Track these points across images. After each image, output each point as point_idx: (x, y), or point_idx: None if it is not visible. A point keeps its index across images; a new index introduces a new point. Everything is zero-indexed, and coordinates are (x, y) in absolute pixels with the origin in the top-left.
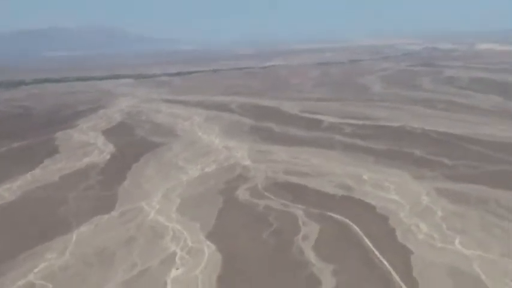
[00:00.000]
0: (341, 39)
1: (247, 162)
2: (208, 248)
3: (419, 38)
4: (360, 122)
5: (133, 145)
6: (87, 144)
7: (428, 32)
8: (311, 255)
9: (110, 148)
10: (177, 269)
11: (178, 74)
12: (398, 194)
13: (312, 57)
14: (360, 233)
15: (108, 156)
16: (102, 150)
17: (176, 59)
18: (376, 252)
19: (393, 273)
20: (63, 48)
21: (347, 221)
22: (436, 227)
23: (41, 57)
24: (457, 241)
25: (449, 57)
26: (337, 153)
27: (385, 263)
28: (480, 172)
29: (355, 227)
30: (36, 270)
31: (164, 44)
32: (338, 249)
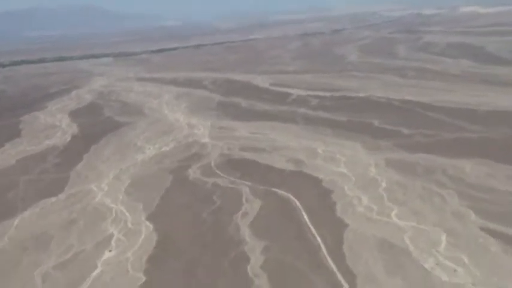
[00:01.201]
0: (324, 7)
1: (206, 140)
2: (146, 229)
3: (404, 3)
4: (328, 94)
5: (97, 126)
6: (52, 126)
7: None
8: (246, 233)
9: (73, 129)
10: (110, 251)
11: (159, 51)
12: (348, 166)
13: (294, 28)
14: (300, 207)
15: (69, 138)
16: (65, 132)
17: (159, 35)
18: (311, 227)
19: (323, 247)
20: (45, 28)
21: (290, 196)
22: (377, 199)
23: (21, 38)
24: (393, 213)
25: (430, 22)
26: (298, 127)
27: (318, 237)
28: (435, 140)
29: (296, 202)
30: None
31: (148, 20)
32: (274, 226)
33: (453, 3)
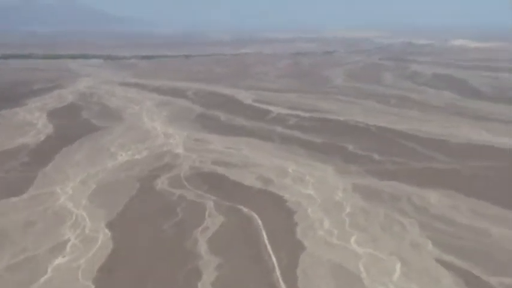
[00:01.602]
0: (315, 29)
1: (180, 150)
2: (104, 236)
3: (396, 31)
4: (308, 115)
5: (73, 127)
6: (28, 124)
7: (408, 26)
8: (203, 248)
9: (49, 129)
10: (63, 256)
11: (149, 57)
12: (315, 188)
13: (286, 46)
14: (261, 227)
15: (43, 138)
16: (40, 131)
17: (152, 42)
18: (269, 247)
19: (277, 268)
20: (41, 23)
21: (253, 214)
22: (338, 224)
23: (15, 32)
24: (353, 238)
25: (421, 52)
26: (272, 145)
27: (273, 258)
28: (404, 168)
29: (259, 220)
30: None
31: (144, 26)
32: (232, 243)
33: (445, 35)
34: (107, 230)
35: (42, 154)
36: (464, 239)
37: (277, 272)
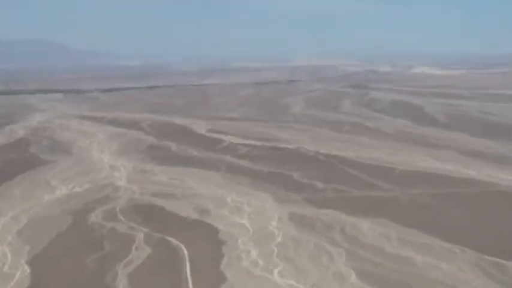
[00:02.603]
0: (285, 58)
1: (122, 183)
2: (21, 273)
3: (364, 60)
4: (259, 143)
5: (17, 162)
6: None
7: (376, 54)
8: (122, 283)
9: None
10: None
11: (111, 90)
12: (250, 218)
13: (251, 76)
14: (187, 258)
15: None
16: None
17: (116, 74)
18: (189, 280)
19: None
20: (4, 60)
21: (182, 246)
22: (266, 254)
23: None
24: (277, 269)
25: (382, 79)
26: (217, 175)
27: None
28: (344, 197)
29: (185, 252)
30: None
31: (108, 59)
32: (153, 276)
33: (409, 62)
34: (26, 267)
35: None
36: (388, 268)
37: None
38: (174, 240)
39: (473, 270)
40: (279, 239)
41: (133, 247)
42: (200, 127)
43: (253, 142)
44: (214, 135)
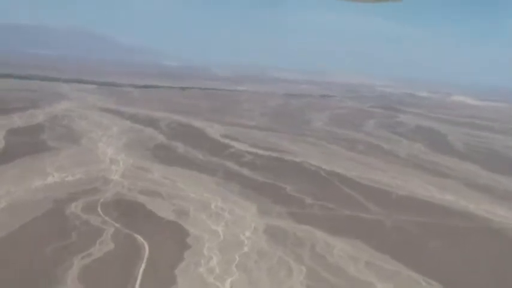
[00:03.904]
0: (322, 71)
1: (115, 177)
2: None
3: (403, 82)
4: (266, 153)
5: (23, 146)
6: None
7: (419, 79)
8: (71, 276)
9: None
10: None
11: (144, 86)
12: (227, 226)
13: (286, 87)
14: (145, 258)
15: None
16: None
17: (155, 71)
18: (138, 280)
19: None
20: (49, 47)
21: (146, 244)
22: (225, 263)
23: (22, 53)
24: (231, 279)
25: (416, 104)
26: (212, 180)
27: None
28: (330, 215)
29: (147, 251)
30: None
31: (153, 56)
32: (105, 271)
33: (449, 90)
34: None
35: None
36: None
37: None
38: (140, 239)
39: None
40: (245, 249)
41: (98, 241)
42: (215, 131)
43: (260, 151)
44: (226, 141)
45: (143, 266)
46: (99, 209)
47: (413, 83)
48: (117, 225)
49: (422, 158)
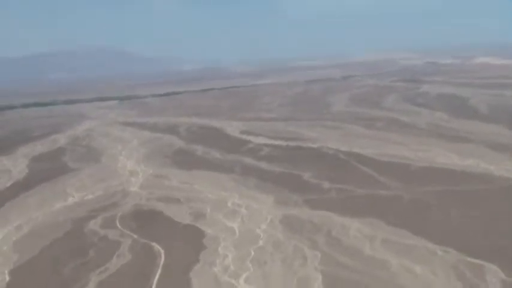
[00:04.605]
0: (344, 54)
1: (134, 189)
2: (0, 282)
3: (424, 52)
4: (284, 143)
5: (44, 172)
6: (4, 171)
7: (442, 47)
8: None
9: (22, 175)
10: None
11: (164, 95)
12: (243, 221)
13: (306, 74)
14: (161, 264)
15: (9, 184)
16: (11, 177)
17: (175, 79)
18: (153, 286)
19: None
20: (67, 70)
21: (162, 251)
22: (241, 259)
23: (45, 79)
24: (245, 275)
25: (439, 71)
26: (229, 177)
27: None
28: (346, 197)
29: (162, 258)
30: None
31: (168, 63)
32: (120, 284)
33: (473, 53)
34: (7, 276)
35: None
36: (358, 272)
37: None
38: (156, 246)
39: (446, 274)
40: (261, 243)
41: (116, 254)
42: (234, 129)
43: (277, 142)
44: (244, 137)
45: (158, 273)
46: (117, 223)
47: (437, 52)
48: (134, 236)
49: (443, 126)
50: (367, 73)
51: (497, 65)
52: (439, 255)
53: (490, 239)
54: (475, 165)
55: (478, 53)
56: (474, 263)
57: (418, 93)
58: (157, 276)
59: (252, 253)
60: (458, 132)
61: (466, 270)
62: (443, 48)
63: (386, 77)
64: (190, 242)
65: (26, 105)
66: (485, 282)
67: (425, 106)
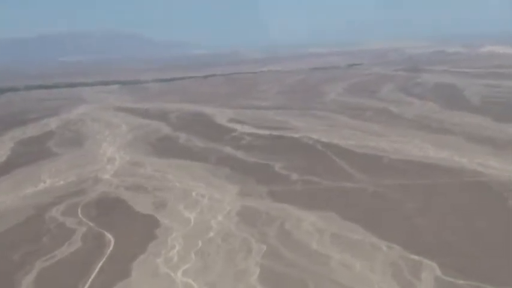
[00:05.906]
0: (354, 42)
1: (107, 176)
2: None
3: (435, 40)
4: (267, 133)
5: (26, 156)
6: None
7: (457, 35)
8: (29, 278)
9: (2, 159)
10: None
11: (165, 80)
12: (201, 212)
13: (311, 61)
14: (106, 254)
15: None
16: None
17: (181, 64)
18: (92, 276)
19: None
20: (81, 52)
21: (112, 241)
22: (186, 251)
23: (55, 62)
24: (185, 267)
25: (444, 60)
26: (204, 167)
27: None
28: (312, 188)
29: (111, 247)
30: None
31: (182, 48)
32: (62, 272)
33: (482, 41)
34: None
35: None
36: (297, 267)
37: None
38: (108, 235)
39: (384, 271)
40: (211, 234)
41: (68, 242)
42: (223, 117)
43: (262, 131)
44: (231, 125)
45: (103, 261)
46: (79, 211)
47: (448, 40)
48: (91, 224)
49: (431, 117)
50: (373, 62)
51: (503, 53)
52: (383, 251)
53: (439, 235)
54: (448, 158)
55: (488, 42)
56: (415, 259)
57: (416, 83)
58: (99, 265)
59: (200, 245)
60: (443, 124)
61: (404, 267)
62: (456, 36)
63: (390, 66)
64: (143, 232)
65: (28, 87)
66: (419, 280)
67: (419, 96)
